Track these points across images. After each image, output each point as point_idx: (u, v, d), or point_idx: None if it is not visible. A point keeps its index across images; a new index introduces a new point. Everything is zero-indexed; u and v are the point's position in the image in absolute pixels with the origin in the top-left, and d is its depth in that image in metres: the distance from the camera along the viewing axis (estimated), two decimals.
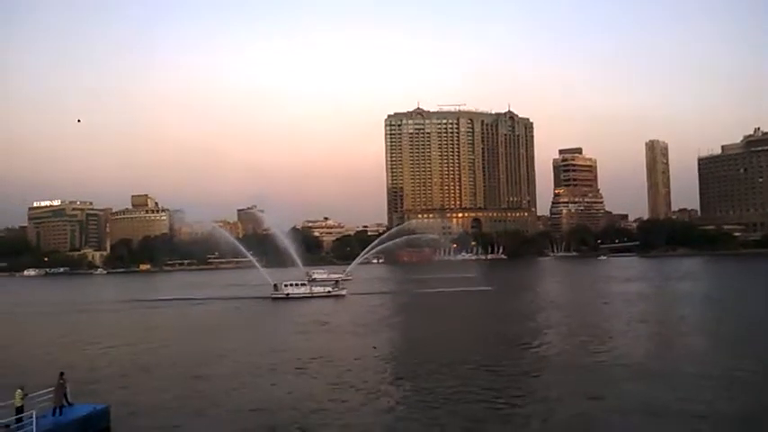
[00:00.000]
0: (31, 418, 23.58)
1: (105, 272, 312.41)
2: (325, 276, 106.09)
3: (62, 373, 26.68)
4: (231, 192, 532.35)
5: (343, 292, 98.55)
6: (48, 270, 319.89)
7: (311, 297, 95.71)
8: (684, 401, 29.02)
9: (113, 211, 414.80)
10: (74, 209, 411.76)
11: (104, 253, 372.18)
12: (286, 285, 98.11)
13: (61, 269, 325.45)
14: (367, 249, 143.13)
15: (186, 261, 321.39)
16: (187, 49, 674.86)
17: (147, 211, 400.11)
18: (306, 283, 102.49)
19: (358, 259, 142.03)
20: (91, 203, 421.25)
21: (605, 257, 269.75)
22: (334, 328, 61.90)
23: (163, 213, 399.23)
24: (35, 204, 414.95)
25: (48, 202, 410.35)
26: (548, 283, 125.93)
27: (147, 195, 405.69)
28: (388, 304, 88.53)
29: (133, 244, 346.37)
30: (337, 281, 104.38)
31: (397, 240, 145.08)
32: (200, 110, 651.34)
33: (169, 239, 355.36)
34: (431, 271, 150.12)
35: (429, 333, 56.62)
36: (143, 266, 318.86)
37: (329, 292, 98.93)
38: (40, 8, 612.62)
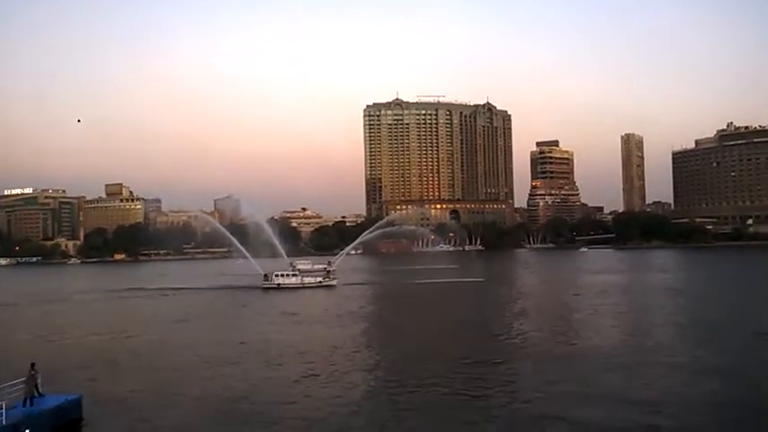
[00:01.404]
0: (1, 409, 23.10)
1: (79, 261, 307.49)
2: (309, 267, 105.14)
3: (33, 364, 26.16)
4: (208, 181, 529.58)
5: (334, 283, 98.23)
6: (19, 259, 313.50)
7: (302, 287, 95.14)
8: (653, 390, 29.51)
9: (87, 199, 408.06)
10: (46, 197, 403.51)
11: (78, 242, 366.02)
12: (277, 275, 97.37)
13: (34, 259, 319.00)
14: (358, 240, 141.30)
15: (162, 251, 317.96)
16: (166, 40, 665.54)
17: (121, 200, 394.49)
18: (297, 273, 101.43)
19: (348, 249, 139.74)
20: (64, 191, 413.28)
21: (586, 249, 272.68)
22: (331, 318, 61.35)
23: (138, 202, 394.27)
24: (6, 192, 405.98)
25: (19, 190, 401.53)
26: (533, 275, 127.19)
27: (121, 184, 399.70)
28: (380, 294, 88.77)
29: (107, 233, 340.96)
30: (328, 271, 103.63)
31: (387, 230, 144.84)
32: (177, 100, 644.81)
33: (144, 229, 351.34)
34: (413, 261, 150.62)
35: (420, 323, 57.05)
36: (118, 256, 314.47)
37: (320, 282, 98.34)
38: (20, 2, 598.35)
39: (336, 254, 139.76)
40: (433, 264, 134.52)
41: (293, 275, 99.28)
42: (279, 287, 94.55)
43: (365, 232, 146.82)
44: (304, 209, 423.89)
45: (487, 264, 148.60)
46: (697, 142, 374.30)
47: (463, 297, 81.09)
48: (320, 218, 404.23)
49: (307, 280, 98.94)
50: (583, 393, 29.67)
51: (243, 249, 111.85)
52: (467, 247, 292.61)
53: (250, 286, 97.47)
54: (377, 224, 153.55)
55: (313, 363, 37.97)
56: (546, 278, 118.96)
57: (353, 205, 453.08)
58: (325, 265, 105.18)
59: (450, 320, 58.49)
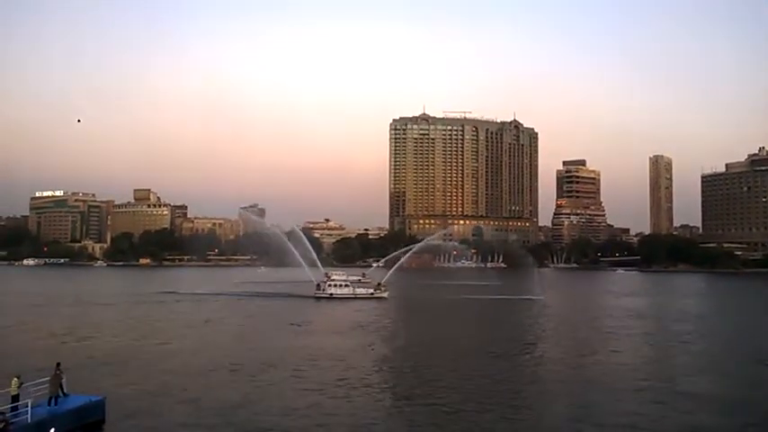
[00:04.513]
0: (27, 407, 23.52)
1: (105, 264, 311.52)
2: (343, 278, 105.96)
3: (59, 364, 26.65)
4: (233, 189, 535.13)
5: (385, 295, 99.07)
6: (47, 260, 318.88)
7: (354, 298, 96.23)
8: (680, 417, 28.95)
9: (115, 203, 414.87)
10: (76, 200, 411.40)
11: (105, 245, 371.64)
12: (330, 285, 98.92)
13: (61, 260, 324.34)
14: (409, 253, 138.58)
15: (186, 257, 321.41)
16: (196, 49, 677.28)
17: (148, 206, 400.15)
18: (349, 283, 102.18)
19: (401, 261, 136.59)
20: (93, 195, 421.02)
21: (623, 271, 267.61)
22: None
23: (164, 208, 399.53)
24: (37, 194, 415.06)
25: (50, 193, 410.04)
26: (577, 296, 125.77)
27: (149, 190, 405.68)
28: (435, 309, 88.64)
29: (134, 238, 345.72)
30: (380, 283, 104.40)
31: (421, 244, 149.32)
32: (205, 108, 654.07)
33: (170, 234, 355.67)
34: (447, 277, 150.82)
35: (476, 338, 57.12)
36: (143, 261, 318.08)
37: (372, 293, 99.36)
38: (45, 5, 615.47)
39: (363, 265, 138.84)
40: (469, 279, 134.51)
41: (345, 286, 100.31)
42: (331, 297, 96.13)
43: (422, 243, 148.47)
44: (327, 220, 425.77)
45: (524, 282, 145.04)
46: (727, 166, 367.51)
47: (529, 316, 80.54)
48: (343, 229, 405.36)
49: (358, 291, 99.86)
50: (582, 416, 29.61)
51: (298, 256, 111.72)
52: (488, 264, 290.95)
53: (302, 295, 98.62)
54: (428, 239, 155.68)
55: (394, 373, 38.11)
56: (590, 298, 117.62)
57: (376, 218, 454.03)
58: (359, 277, 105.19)
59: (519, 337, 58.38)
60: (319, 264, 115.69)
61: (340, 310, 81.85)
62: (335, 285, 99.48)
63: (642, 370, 42.09)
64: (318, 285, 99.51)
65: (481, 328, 67.16)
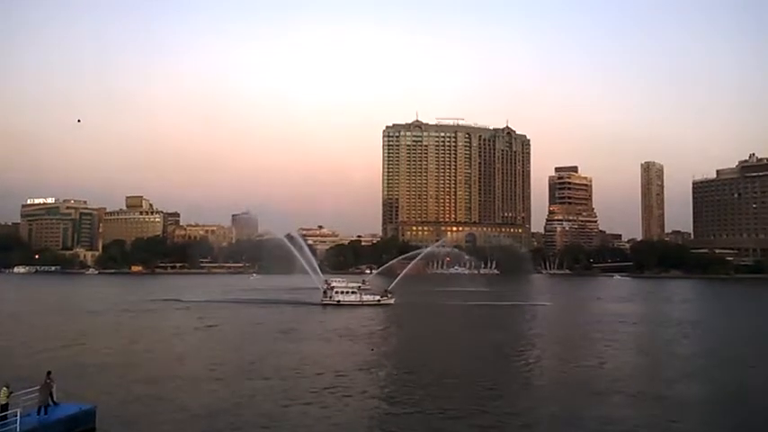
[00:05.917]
0: (15, 416, 23.36)
1: (97, 272, 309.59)
2: (343, 285, 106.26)
3: (49, 373, 26.48)
4: (226, 196, 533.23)
5: (392, 301, 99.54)
6: (38, 268, 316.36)
7: (361, 305, 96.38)
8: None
9: (107, 210, 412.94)
10: (68, 207, 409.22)
11: (96, 253, 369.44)
12: (337, 292, 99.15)
13: (52, 268, 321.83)
14: (415, 260, 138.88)
15: (178, 264, 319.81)
16: (188, 53, 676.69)
17: (141, 213, 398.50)
18: (356, 290, 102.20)
19: (407, 268, 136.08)
20: (85, 202, 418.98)
21: (620, 277, 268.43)
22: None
23: (157, 215, 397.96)
24: (29, 201, 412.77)
25: (42, 200, 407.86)
26: (581, 302, 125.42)
27: (141, 197, 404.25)
28: (444, 316, 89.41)
29: (126, 245, 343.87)
30: (386, 290, 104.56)
31: (429, 250, 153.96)
32: (199, 114, 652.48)
33: (162, 242, 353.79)
34: (443, 283, 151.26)
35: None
36: (135, 268, 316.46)
37: (379, 300, 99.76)
38: (41, 7, 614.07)
39: (356, 272, 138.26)
40: (469, 286, 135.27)
41: (352, 293, 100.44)
42: (339, 304, 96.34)
43: (423, 252, 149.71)
44: (320, 227, 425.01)
45: (524, 288, 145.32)
46: (718, 172, 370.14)
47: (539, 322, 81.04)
48: (336, 236, 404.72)
49: (366, 298, 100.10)
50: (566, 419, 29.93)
51: (304, 263, 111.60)
52: (482, 271, 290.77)
53: (308, 302, 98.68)
54: (433, 245, 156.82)
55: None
56: (595, 305, 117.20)
57: (370, 225, 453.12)
58: (359, 284, 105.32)
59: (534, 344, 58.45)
60: (319, 271, 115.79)
61: (349, 316, 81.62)
62: (343, 292, 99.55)
63: (638, 375, 42.32)
64: (325, 292, 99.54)
65: (495, 334, 66.74)
